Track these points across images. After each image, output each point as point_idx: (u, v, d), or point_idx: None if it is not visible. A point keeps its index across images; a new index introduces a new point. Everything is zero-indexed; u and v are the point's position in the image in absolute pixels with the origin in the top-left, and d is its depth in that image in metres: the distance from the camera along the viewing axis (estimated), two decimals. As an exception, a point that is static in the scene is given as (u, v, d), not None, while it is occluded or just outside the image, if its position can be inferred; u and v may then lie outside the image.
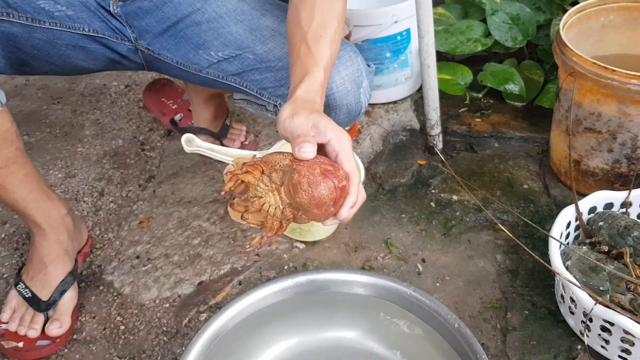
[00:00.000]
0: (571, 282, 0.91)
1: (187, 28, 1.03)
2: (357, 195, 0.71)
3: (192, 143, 1.02)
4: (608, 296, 0.91)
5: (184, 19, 1.03)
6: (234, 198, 0.75)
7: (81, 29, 0.99)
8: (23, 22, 0.93)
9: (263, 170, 0.72)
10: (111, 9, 1.00)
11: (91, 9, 0.99)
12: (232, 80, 1.04)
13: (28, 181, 1.02)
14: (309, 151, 0.69)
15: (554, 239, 0.98)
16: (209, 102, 1.37)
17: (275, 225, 0.73)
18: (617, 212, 1.08)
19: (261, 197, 0.72)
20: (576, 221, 1.08)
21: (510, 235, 0.98)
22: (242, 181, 0.73)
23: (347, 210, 0.71)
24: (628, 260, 0.97)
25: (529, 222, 1.15)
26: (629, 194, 1.08)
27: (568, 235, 1.08)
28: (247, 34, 1.02)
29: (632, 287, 0.91)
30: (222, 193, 0.74)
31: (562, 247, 1.02)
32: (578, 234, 1.11)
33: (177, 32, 1.04)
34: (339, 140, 0.72)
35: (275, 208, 0.72)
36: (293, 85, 0.79)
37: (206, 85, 1.10)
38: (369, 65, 1.04)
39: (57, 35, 0.97)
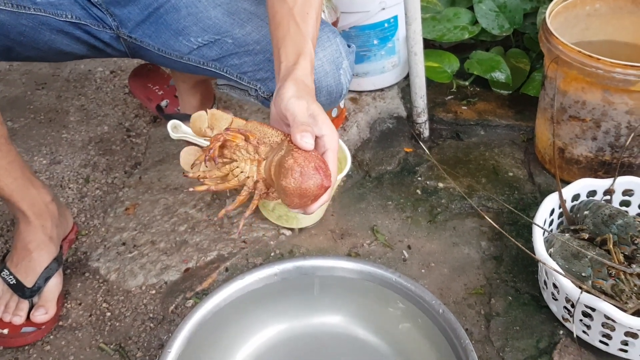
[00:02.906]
0: (555, 271, 0.92)
1: (167, 14, 1.03)
2: (330, 195, 0.72)
3: (179, 129, 1.02)
4: (590, 282, 0.93)
5: (164, 5, 1.03)
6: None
7: (63, 16, 0.98)
8: (9, 9, 0.92)
9: (248, 139, 0.71)
10: None
11: None
12: (213, 66, 1.04)
13: (12, 169, 1.01)
14: (310, 143, 0.69)
15: (538, 226, 0.99)
16: (195, 89, 1.36)
17: (245, 194, 0.71)
18: (602, 201, 1.09)
19: (236, 160, 0.70)
20: (560, 208, 1.09)
21: (495, 225, 0.99)
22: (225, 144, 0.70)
23: (317, 206, 0.72)
24: (611, 246, 0.98)
25: (513, 209, 1.16)
26: (614, 181, 1.09)
27: (552, 222, 1.10)
28: (226, 18, 1.02)
29: (614, 272, 0.93)
30: (196, 169, 0.72)
31: (546, 234, 1.03)
32: (562, 221, 1.13)
33: (157, 19, 1.03)
34: (332, 139, 0.72)
35: (248, 177, 0.71)
36: (287, 63, 0.77)
37: (189, 72, 1.09)
38: (349, 46, 1.03)
39: (43, 21, 0.96)
